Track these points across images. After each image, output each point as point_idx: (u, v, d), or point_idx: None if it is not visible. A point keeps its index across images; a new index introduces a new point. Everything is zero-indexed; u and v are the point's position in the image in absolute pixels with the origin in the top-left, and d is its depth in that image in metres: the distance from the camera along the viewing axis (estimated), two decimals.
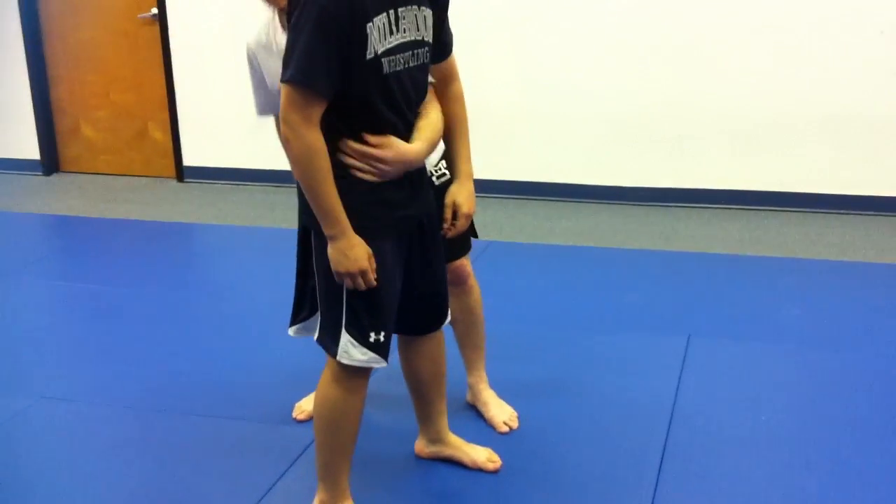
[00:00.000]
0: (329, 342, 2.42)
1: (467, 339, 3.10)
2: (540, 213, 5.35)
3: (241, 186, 6.17)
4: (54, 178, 6.73)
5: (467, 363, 3.14)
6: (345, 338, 2.39)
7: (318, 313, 2.47)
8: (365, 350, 2.38)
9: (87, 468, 2.94)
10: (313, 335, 2.49)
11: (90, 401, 3.35)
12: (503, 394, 3.22)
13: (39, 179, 6.67)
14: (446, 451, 2.88)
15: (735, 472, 2.79)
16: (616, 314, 3.94)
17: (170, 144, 6.47)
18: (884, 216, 5.16)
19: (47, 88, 6.68)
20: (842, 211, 5.25)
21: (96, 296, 4.38)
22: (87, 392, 3.42)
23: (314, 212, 2.26)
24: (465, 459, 2.86)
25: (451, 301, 2.81)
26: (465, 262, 2.95)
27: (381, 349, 2.40)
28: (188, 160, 6.43)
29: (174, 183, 6.48)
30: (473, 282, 3.01)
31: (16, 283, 4.56)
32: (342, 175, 2.26)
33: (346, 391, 2.47)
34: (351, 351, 2.40)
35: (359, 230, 2.27)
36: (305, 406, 3.17)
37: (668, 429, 3.03)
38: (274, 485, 2.80)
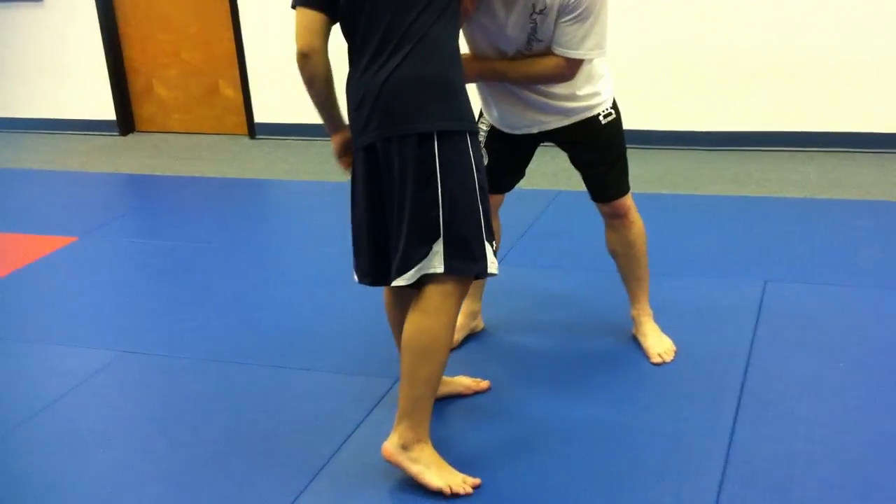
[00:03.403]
0: (470, 259, 2.45)
1: (629, 272, 3.20)
2: None
3: (311, 142, 6.20)
4: (130, 137, 6.84)
5: (630, 295, 3.24)
6: (488, 247, 2.49)
7: (437, 244, 2.42)
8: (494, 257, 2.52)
9: (169, 419, 3.01)
10: (435, 269, 2.43)
11: (168, 354, 3.43)
12: (577, 335, 3.24)
13: (116, 140, 6.79)
14: (446, 390, 2.93)
15: (812, 417, 2.76)
16: (690, 260, 3.90)
17: (241, 101, 6.53)
18: None
19: (120, 49, 6.77)
20: None
21: (172, 252, 4.46)
22: (166, 346, 3.50)
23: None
24: (460, 389, 2.95)
25: (612, 235, 3.09)
26: (625, 198, 3.05)
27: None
28: (259, 117, 6.49)
29: (246, 140, 6.55)
30: (635, 217, 3.10)
31: (97, 241, 4.67)
32: None
33: (452, 315, 2.49)
34: (491, 258, 2.50)
35: None
36: None
37: (745, 374, 3.01)
38: (351, 434, 2.84)
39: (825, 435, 2.68)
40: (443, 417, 2.87)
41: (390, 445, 2.56)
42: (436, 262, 2.43)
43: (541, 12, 2.64)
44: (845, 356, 3.09)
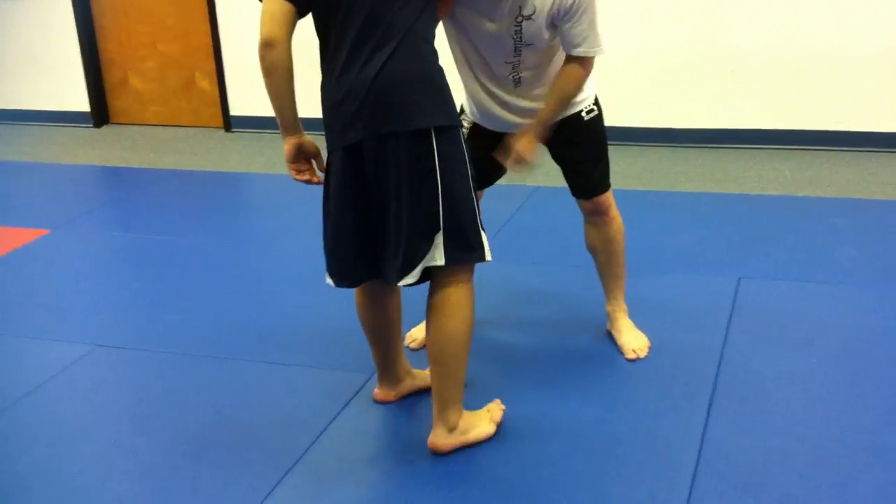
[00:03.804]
0: (469, 248, 2.50)
1: (607, 269, 3.21)
2: None
3: None
4: (105, 129, 6.79)
5: (606, 292, 3.25)
6: (484, 235, 2.53)
7: (438, 237, 2.45)
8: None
9: (146, 414, 3.00)
10: (436, 262, 2.47)
11: (144, 349, 3.41)
12: (552, 331, 3.24)
13: (90, 131, 6.74)
14: (410, 385, 2.96)
15: (786, 412, 2.78)
16: (666, 256, 3.91)
17: (217, 94, 6.50)
18: None
19: (95, 40, 6.72)
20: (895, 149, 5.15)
21: (147, 245, 4.44)
22: (140, 340, 3.47)
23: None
24: (423, 384, 2.96)
25: (592, 231, 3.10)
26: (606, 195, 3.06)
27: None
28: (235, 110, 6.46)
29: (222, 133, 6.52)
30: (615, 213, 3.10)
31: (70, 234, 4.63)
32: None
33: (470, 302, 2.57)
34: (487, 246, 2.55)
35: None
36: (418, 334, 3.27)
37: (718, 370, 3.02)
38: (326, 427, 2.84)
39: (798, 430, 2.69)
40: (422, 415, 2.87)
41: (440, 438, 2.64)
42: (437, 256, 2.46)
43: (528, 17, 2.63)
44: (819, 352, 3.11)
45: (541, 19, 2.63)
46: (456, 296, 2.53)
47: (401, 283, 2.52)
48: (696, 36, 5.30)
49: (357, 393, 3.01)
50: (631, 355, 3.13)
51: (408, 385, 2.96)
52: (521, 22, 2.65)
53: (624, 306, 3.25)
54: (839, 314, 3.37)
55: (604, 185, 3.04)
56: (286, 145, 2.53)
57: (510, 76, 2.80)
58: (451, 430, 2.63)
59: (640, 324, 3.24)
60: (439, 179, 2.41)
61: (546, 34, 2.69)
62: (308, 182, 2.58)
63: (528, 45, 2.71)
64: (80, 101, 6.80)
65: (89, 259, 4.37)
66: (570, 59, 2.73)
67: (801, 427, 2.71)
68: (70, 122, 6.85)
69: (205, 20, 6.33)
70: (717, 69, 5.32)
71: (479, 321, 3.37)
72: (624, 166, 5.08)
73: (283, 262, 4.12)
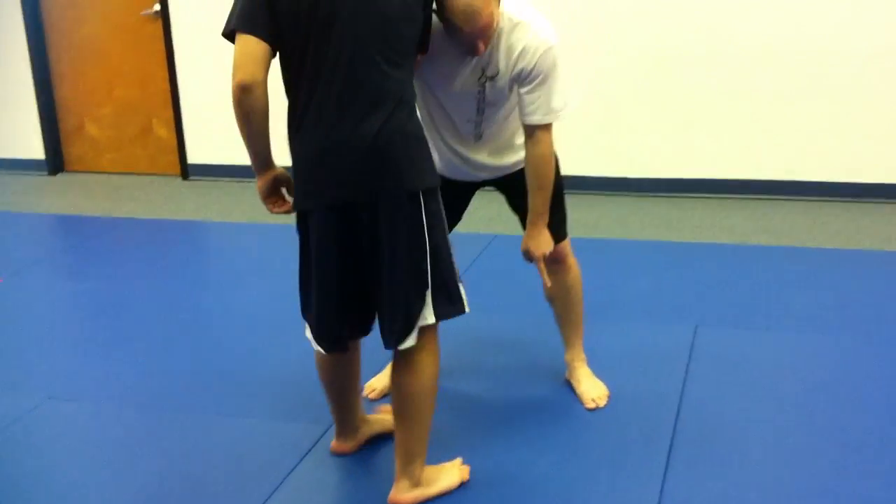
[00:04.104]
0: (450, 304, 2.50)
1: (564, 317, 3.21)
2: None
3: (245, 183, 6.15)
4: (59, 177, 6.73)
5: (564, 340, 3.26)
6: (462, 287, 2.54)
7: (427, 294, 2.44)
8: None
9: (96, 466, 2.94)
10: (427, 321, 2.47)
11: (97, 400, 3.35)
12: (512, 380, 3.23)
13: (44, 179, 6.67)
14: (369, 431, 2.93)
15: (744, 459, 2.79)
16: (623, 304, 3.93)
17: (174, 141, 6.47)
18: (889, 203, 5.14)
19: (51, 86, 6.68)
20: (847, 199, 5.23)
21: (102, 294, 4.38)
22: (94, 391, 3.42)
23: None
24: (388, 426, 2.88)
25: (551, 279, 3.03)
26: (565, 241, 3.06)
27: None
28: (193, 157, 6.43)
29: (179, 180, 6.48)
30: (572, 262, 3.12)
31: (22, 283, 4.57)
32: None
33: (436, 350, 2.57)
34: (465, 297, 2.56)
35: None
36: (377, 384, 3.25)
37: (677, 418, 3.03)
38: (283, 481, 2.80)
39: (756, 477, 2.70)
40: (382, 468, 2.84)
41: (402, 492, 2.60)
42: (427, 314, 2.46)
43: (491, 78, 2.66)
44: (775, 399, 3.13)
45: (503, 80, 2.66)
46: (424, 352, 2.51)
47: (403, 346, 2.47)
48: (649, 87, 5.38)
49: (314, 445, 2.97)
50: (590, 405, 3.12)
51: (365, 433, 2.93)
52: (485, 83, 2.67)
53: (583, 355, 3.26)
54: (794, 361, 3.40)
55: (560, 233, 3.03)
56: (261, 181, 2.49)
57: (472, 133, 2.83)
58: (416, 484, 2.61)
59: (599, 371, 3.25)
60: (427, 236, 2.41)
61: (509, 94, 2.72)
62: (287, 212, 2.54)
63: (492, 104, 2.73)
64: (34, 149, 6.73)
65: (41, 308, 4.30)
66: (526, 129, 2.72)
67: (759, 474, 2.71)
68: (24, 170, 6.77)
69: (163, 66, 6.31)
70: (671, 120, 5.40)
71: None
72: (580, 215, 5.11)
73: (238, 310, 4.09)
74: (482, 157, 2.88)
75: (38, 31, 6.56)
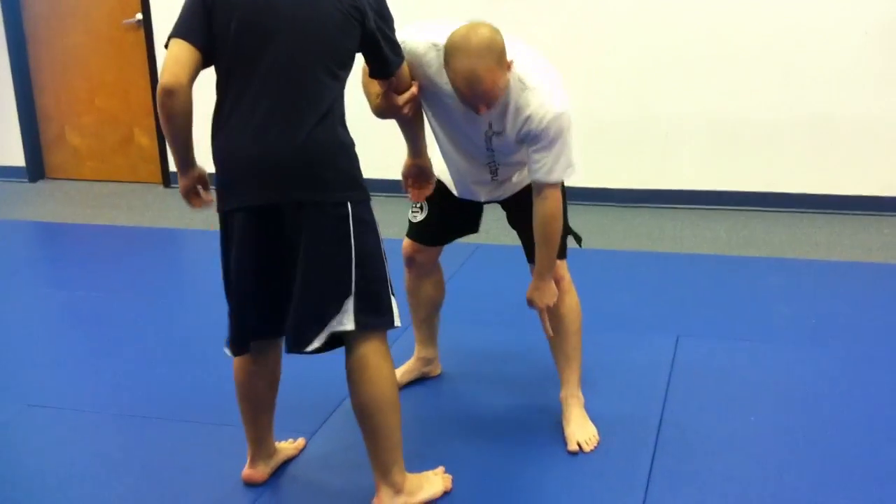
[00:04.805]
0: (378, 313, 2.49)
1: (557, 349, 3.03)
2: None
3: None
4: (40, 184, 6.69)
5: (559, 375, 3.06)
6: (394, 300, 2.53)
7: (348, 302, 2.43)
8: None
9: (75, 476, 2.92)
10: (345, 327, 2.44)
11: (76, 408, 3.33)
12: (490, 393, 3.22)
13: (25, 186, 6.63)
14: (280, 459, 2.88)
15: (725, 472, 2.79)
16: (604, 315, 3.92)
17: (156, 150, 6.44)
18: (870, 215, 5.18)
19: (32, 95, 6.65)
20: (828, 211, 5.26)
21: (82, 303, 4.35)
22: (73, 400, 3.40)
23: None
24: (293, 453, 2.92)
25: None
26: (559, 264, 2.91)
27: None
28: (174, 166, 6.38)
29: (160, 189, 6.46)
30: (567, 288, 2.97)
31: (1, 290, 4.53)
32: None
33: (392, 364, 2.56)
34: (396, 311, 2.55)
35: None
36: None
37: (659, 429, 3.03)
38: (264, 490, 2.78)
39: (738, 490, 2.70)
40: (358, 476, 2.83)
41: (385, 500, 2.58)
42: (345, 321, 2.44)
43: (497, 133, 2.68)
44: (756, 410, 3.14)
45: (509, 137, 2.67)
46: (374, 359, 2.50)
47: (309, 349, 2.45)
48: (630, 100, 5.40)
49: (296, 456, 2.96)
50: (573, 447, 2.90)
51: (280, 458, 2.89)
52: (491, 136, 2.69)
53: (578, 393, 3.05)
54: (776, 372, 3.41)
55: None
56: (185, 180, 2.58)
57: (487, 169, 2.84)
58: (398, 492, 2.59)
59: (581, 383, 3.23)
60: (353, 244, 2.41)
61: (515, 148, 2.72)
62: (209, 204, 2.60)
63: (501, 153, 2.75)
64: (15, 156, 6.68)
65: (20, 316, 4.27)
66: (534, 184, 2.70)
67: (739, 486, 2.72)
68: (4, 177, 6.73)
69: (144, 75, 6.29)
70: (652, 132, 5.42)
71: (414, 381, 3.37)
72: None
73: (218, 319, 4.04)
74: (500, 191, 2.92)
75: (20, 40, 6.52)
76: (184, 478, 2.87)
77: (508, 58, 2.52)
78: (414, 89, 2.65)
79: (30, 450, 3.11)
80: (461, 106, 2.61)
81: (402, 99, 2.65)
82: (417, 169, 2.90)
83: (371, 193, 2.51)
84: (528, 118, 2.59)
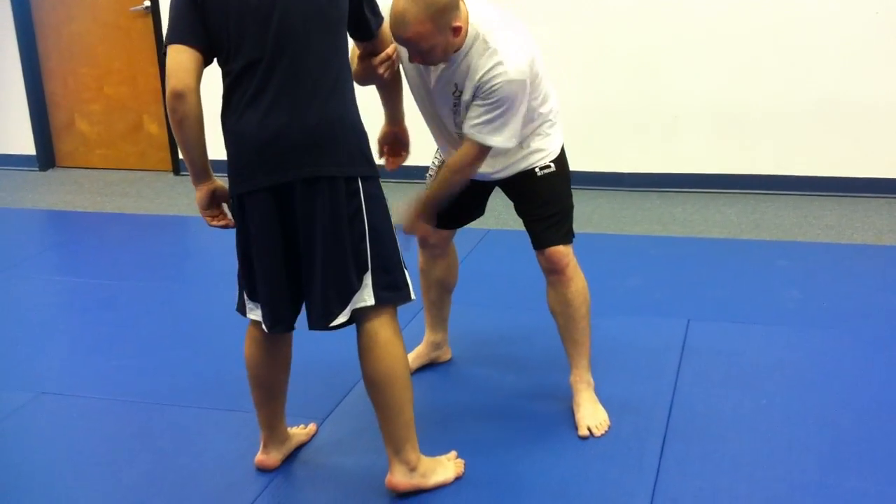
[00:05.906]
0: (395, 287, 2.51)
1: (566, 334, 3.00)
2: None
3: None
4: (50, 173, 6.71)
5: (569, 360, 3.04)
6: (407, 275, 2.55)
7: (366, 277, 2.46)
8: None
9: (88, 462, 2.94)
10: (366, 302, 2.47)
11: (89, 395, 3.35)
12: (500, 378, 3.22)
13: (35, 175, 6.65)
14: (292, 445, 2.89)
15: (736, 455, 2.79)
16: (615, 299, 3.93)
17: (165, 137, 6.45)
18: (880, 198, 5.16)
19: (41, 83, 6.66)
20: (838, 193, 5.24)
21: (94, 290, 4.37)
22: (87, 386, 3.41)
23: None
24: (302, 439, 2.92)
25: (550, 292, 2.94)
26: (563, 250, 2.89)
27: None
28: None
29: (170, 176, 6.47)
30: (573, 273, 2.92)
31: (13, 279, 4.56)
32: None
33: (402, 341, 2.57)
34: (410, 285, 2.56)
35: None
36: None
37: (670, 412, 3.03)
38: (276, 475, 2.80)
39: (748, 471, 2.71)
40: (378, 456, 2.84)
41: (398, 477, 2.60)
42: (366, 296, 2.47)
43: (461, 94, 2.67)
44: (767, 393, 3.14)
45: (467, 95, 2.65)
46: (385, 333, 2.52)
47: (334, 324, 2.47)
48: (640, 85, 5.38)
49: (309, 440, 2.97)
50: (584, 432, 2.92)
51: (293, 444, 2.89)
52: (459, 95, 2.69)
53: (588, 377, 3.04)
54: (786, 355, 3.40)
55: (553, 238, 2.89)
56: (199, 192, 2.54)
57: (458, 138, 2.82)
58: (412, 469, 2.61)
59: (591, 366, 3.24)
60: (366, 219, 2.44)
61: None
62: (225, 227, 2.57)
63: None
64: (25, 145, 6.71)
65: (33, 304, 4.29)
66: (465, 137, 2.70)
67: (750, 467, 2.72)
68: (15, 166, 6.75)
69: (153, 63, 6.30)
70: (661, 116, 5.40)
71: (424, 366, 3.38)
72: None
73: (229, 306, 4.05)
74: (488, 165, 2.87)
75: (28, 27, 6.53)
76: (196, 464, 2.88)
77: (466, 23, 2.54)
78: (390, 50, 2.63)
79: (43, 437, 3.13)
80: (423, 68, 2.65)
81: (378, 59, 2.63)
82: (393, 136, 2.88)
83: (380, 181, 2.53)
84: (481, 78, 2.58)
